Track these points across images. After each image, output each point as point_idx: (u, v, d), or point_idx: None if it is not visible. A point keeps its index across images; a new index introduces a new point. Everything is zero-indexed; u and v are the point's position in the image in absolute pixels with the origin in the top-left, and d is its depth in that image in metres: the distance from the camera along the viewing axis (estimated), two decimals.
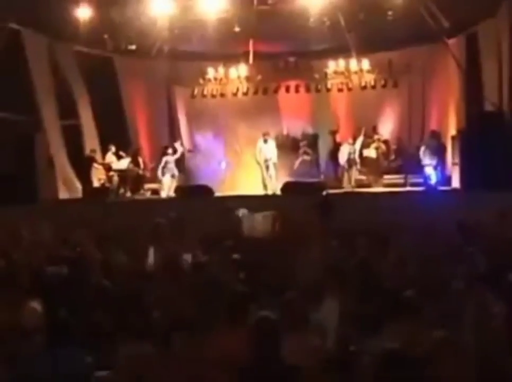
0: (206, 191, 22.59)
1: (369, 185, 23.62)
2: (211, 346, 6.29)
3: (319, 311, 7.17)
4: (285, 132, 25.97)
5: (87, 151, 24.16)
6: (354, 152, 23.62)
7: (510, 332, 6.55)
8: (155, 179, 25.51)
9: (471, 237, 12.38)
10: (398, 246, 11.36)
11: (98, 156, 24.49)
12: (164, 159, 24.33)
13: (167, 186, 24.00)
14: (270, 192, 23.05)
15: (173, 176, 24.28)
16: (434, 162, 22.38)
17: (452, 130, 22.88)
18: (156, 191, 25.11)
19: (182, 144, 25.85)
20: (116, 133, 25.10)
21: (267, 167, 23.40)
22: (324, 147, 25.66)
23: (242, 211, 16.58)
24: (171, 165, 24.30)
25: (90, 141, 24.45)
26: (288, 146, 25.47)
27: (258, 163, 23.50)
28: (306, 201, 18.17)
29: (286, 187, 22.29)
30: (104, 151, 24.47)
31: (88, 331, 6.99)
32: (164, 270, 9.74)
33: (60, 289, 8.72)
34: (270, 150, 23.61)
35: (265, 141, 23.56)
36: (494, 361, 5.74)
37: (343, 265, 9.08)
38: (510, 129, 20.16)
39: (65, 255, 11.15)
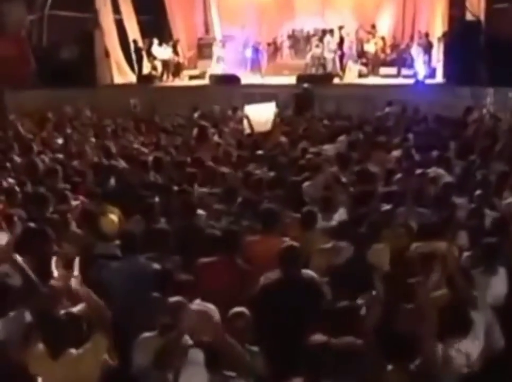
0: (234, 79, 22.75)
1: (367, 76, 23.85)
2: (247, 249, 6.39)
3: (332, 220, 7.46)
4: (299, 27, 25.91)
5: (134, 42, 24.36)
6: (357, 47, 23.82)
7: None
8: (192, 66, 25.81)
9: (446, 127, 13.46)
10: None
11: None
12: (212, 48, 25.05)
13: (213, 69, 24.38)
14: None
15: (217, 60, 24.61)
16: (423, 58, 22.51)
17: (438, 32, 22.79)
18: (193, 77, 25.39)
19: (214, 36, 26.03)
20: (158, 27, 25.23)
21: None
22: (332, 41, 25.46)
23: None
24: (214, 53, 24.78)
25: (135, 34, 24.62)
26: (302, 39, 25.61)
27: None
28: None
29: (299, 78, 22.45)
30: (150, 43, 24.55)
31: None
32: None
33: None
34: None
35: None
36: None
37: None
38: (484, 36, 20.34)
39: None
